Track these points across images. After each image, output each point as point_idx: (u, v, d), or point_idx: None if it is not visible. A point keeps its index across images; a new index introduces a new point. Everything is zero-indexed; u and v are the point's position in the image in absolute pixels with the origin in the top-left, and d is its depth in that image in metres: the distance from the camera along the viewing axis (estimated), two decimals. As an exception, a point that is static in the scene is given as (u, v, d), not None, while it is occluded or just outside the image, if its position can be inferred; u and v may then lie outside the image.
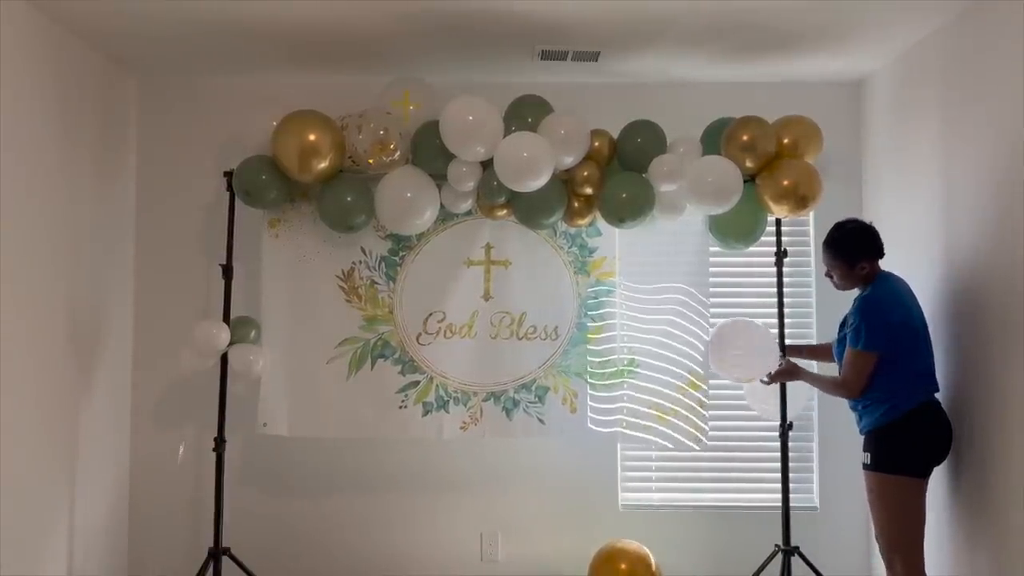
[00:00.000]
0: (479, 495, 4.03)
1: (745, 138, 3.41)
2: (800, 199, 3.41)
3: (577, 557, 3.78)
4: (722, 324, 3.61)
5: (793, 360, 3.46)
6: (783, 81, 4.02)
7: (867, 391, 2.99)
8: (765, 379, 3.51)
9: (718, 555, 3.95)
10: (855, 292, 3.17)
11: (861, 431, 3.08)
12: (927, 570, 2.97)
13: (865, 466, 3.00)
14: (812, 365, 3.57)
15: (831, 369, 3.40)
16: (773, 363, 3.49)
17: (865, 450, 3.01)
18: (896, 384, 2.95)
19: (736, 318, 3.66)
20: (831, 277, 3.20)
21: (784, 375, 3.44)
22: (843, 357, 3.09)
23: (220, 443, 3.57)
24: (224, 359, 3.54)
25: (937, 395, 3.03)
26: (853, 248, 3.11)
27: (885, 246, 3.14)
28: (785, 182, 3.40)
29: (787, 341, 3.62)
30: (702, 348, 3.61)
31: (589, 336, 3.67)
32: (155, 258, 4.05)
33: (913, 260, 3.38)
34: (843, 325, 3.16)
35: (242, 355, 3.52)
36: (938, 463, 3.01)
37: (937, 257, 3.31)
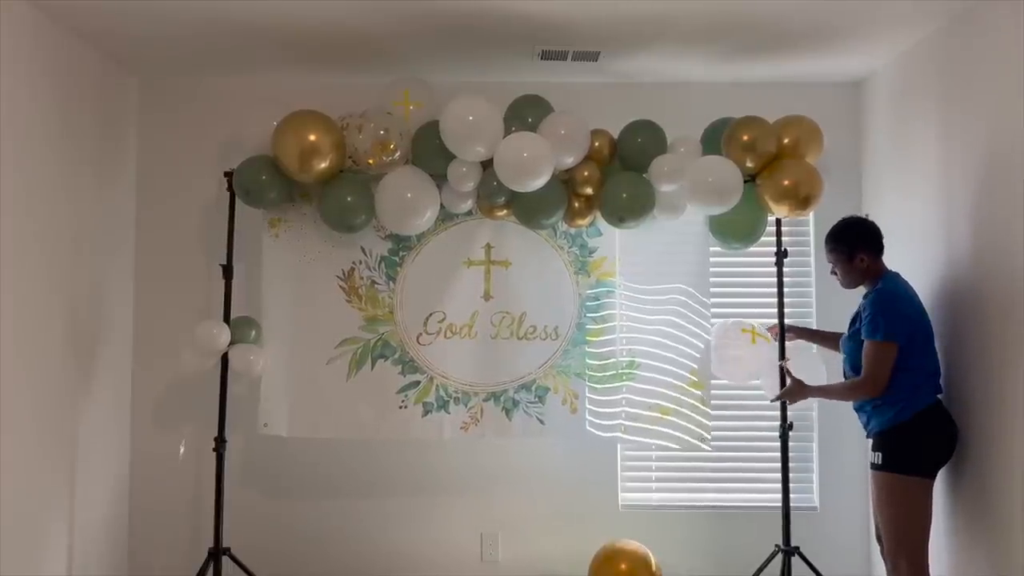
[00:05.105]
0: (479, 495, 4.03)
1: (745, 138, 3.41)
2: (800, 199, 3.41)
3: (577, 557, 3.77)
4: (721, 324, 3.64)
5: (798, 379, 3.34)
6: (783, 81, 4.02)
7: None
8: (771, 398, 3.53)
9: (718, 555, 3.95)
10: (859, 292, 3.18)
11: (869, 432, 3.08)
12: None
13: (875, 466, 3.00)
14: (812, 348, 3.59)
15: (830, 356, 3.43)
16: (772, 370, 3.52)
17: (875, 450, 3.00)
18: (909, 384, 2.95)
19: (735, 319, 3.67)
20: (836, 274, 3.22)
21: (791, 395, 3.35)
22: (853, 352, 3.09)
23: (220, 443, 3.57)
24: (224, 359, 3.54)
25: (939, 396, 3.03)
26: (853, 239, 3.14)
27: (886, 245, 3.15)
28: (785, 182, 3.40)
29: (787, 321, 3.58)
30: (702, 347, 3.61)
31: (589, 336, 3.67)
32: (155, 258, 4.04)
33: (913, 260, 3.38)
34: (854, 321, 3.15)
35: (242, 355, 3.52)
36: (944, 463, 3.01)
37: (937, 257, 3.31)
